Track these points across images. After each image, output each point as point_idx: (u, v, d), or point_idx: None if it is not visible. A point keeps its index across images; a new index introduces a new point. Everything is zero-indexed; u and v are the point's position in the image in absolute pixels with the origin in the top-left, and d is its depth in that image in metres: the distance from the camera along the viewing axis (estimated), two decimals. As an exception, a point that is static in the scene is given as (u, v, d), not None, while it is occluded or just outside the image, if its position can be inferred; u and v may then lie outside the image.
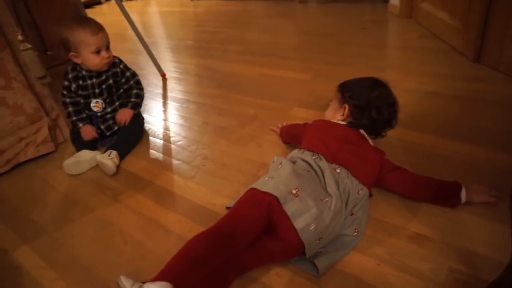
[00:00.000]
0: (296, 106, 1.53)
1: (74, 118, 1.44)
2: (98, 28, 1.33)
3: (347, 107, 1.02)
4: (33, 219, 1.15)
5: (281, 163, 0.92)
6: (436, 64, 1.67)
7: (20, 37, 1.31)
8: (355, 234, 0.86)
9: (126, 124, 1.43)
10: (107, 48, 1.36)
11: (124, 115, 1.44)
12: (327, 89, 1.62)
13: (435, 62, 1.70)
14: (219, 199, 1.09)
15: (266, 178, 0.86)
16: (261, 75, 1.93)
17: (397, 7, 2.40)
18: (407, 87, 1.51)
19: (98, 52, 1.33)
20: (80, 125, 1.43)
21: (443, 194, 0.91)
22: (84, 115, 1.45)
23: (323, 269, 0.80)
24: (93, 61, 1.34)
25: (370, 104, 0.98)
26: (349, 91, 1.03)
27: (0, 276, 0.97)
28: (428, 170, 1.04)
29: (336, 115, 1.05)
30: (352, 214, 0.88)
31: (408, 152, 1.14)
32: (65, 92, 1.43)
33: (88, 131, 1.41)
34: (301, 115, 1.46)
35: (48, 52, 2.27)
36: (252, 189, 0.84)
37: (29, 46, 1.33)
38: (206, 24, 3.31)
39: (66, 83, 1.42)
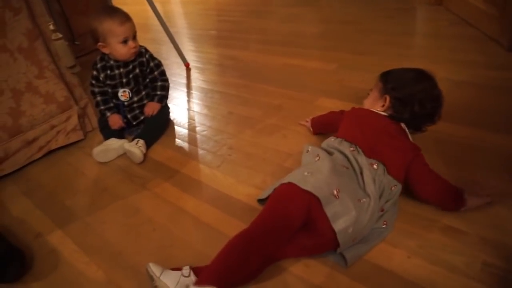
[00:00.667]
0: (322, 97, 1.51)
1: (102, 107, 1.47)
2: (126, 18, 1.35)
3: (388, 98, 0.97)
4: (66, 204, 1.19)
5: (318, 156, 0.91)
6: (469, 52, 1.61)
7: (51, 27, 1.35)
8: (383, 226, 0.85)
9: (154, 114, 1.45)
10: (134, 37, 1.38)
11: (152, 108, 1.46)
12: (353, 79, 1.60)
13: (468, 50, 1.63)
14: (246, 188, 1.10)
15: (305, 173, 0.84)
16: (285, 65, 1.91)
17: (426, -7, 2.32)
18: (439, 76, 1.43)
19: (125, 42, 1.35)
20: (108, 114, 1.46)
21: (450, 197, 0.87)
22: (111, 104, 1.48)
23: (351, 260, 0.79)
24: (120, 51, 1.36)
25: (413, 97, 0.93)
26: (392, 82, 0.99)
27: (38, 258, 1.01)
28: (461, 161, 1.02)
29: (376, 105, 1.01)
30: (382, 210, 0.86)
31: (440, 143, 1.11)
32: (93, 82, 1.46)
33: (115, 120, 1.44)
34: (328, 105, 1.44)
35: (76, 42, 2.32)
36: (290, 184, 0.82)
37: (60, 36, 1.36)
38: (228, 13, 3.29)
39: (94, 72, 1.45)
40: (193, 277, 0.76)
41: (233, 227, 0.96)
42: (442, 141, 1.12)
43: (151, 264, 0.80)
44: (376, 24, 2.23)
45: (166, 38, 2.08)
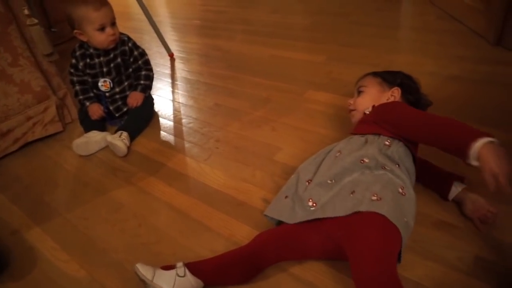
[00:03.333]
0: (311, 89, 1.48)
1: (81, 97, 1.40)
2: (102, 3, 1.27)
3: (399, 89, 0.98)
4: (44, 200, 1.13)
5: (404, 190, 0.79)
6: (456, 47, 1.62)
7: (26, 12, 1.26)
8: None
9: (138, 105, 1.39)
10: (113, 24, 1.31)
11: (135, 99, 1.40)
12: (342, 72, 1.58)
13: (455, 44, 1.64)
14: (235, 182, 1.07)
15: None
16: (272, 56, 1.88)
17: (412, -13, 2.32)
18: (427, 70, 1.46)
19: (102, 29, 1.28)
20: (87, 103, 1.40)
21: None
22: (91, 94, 1.41)
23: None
24: (98, 38, 1.29)
25: (410, 85, 1.01)
26: (395, 77, 1.02)
27: (16, 256, 0.95)
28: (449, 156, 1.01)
29: (381, 99, 0.99)
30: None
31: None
32: (72, 70, 1.39)
33: (94, 110, 1.38)
34: (317, 98, 1.42)
35: (53, 29, 2.21)
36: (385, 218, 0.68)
37: (35, 21, 1.28)
38: (212, 3, 3.22)
39: (73, 61, 1.38)
40: (189, 276, 0.72)
41: (222, 222, 0.94)
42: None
43: (139, 266, 0.74)
44: (364, 17, 2.22)
45: (148, 27, 2.01)
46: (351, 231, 0.69)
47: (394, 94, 0.98)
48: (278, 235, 0.78)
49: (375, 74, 1.05)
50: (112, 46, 1.34)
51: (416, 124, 0.82)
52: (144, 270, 0.73)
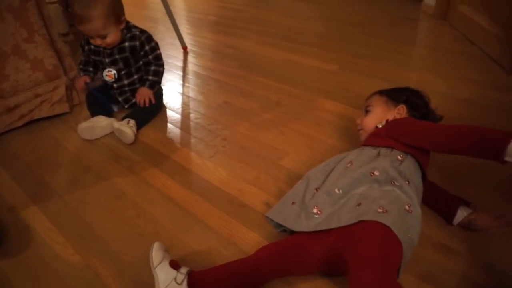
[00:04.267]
0: (322, 97, 1.48)
1: (80, 66, 1.41)
2: (85, 20, 1.19)
3: (404, 106, 0.99)
4: (45, 179, 1.12)
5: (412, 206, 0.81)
6: (469, 70, 1.61)
7: (46, -11, 1.26)
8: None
9: (147, 105, 1.37)
10: (102, 37, 1.25)
11: (143, 95, 1.37)
12: (354, 83, 1.57)
13: (468, 67, 1.64)
14: (238, 183, 1.06)
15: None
16: (286, 60, 1.87)
17: (431, 7, 2.31)
18: (438, 89, 1.46)
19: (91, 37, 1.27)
20: (80, 74, 1.40)
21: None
22: (90, 68, 1.41)
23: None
24: (90, 40, 1.29)
25: (417, 102, 1.01)
26: (400, 94, 1.03)
27: (10, 234, 0.95)
28: (458, 177, 1.01)
29: (386, 116, 0.99)
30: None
31: (438, 157, 1.09)
32: (81, 49, 1.40)
33: (80, 81, 1.38)
34: (328, 107, 1.41)
35: (69, 9, 2.20)
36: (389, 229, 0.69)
37: None
38: (229, 0, 3.21)
39: (82, 42, 1.38)
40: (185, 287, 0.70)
41: (222, 221, 0.94)
42: (439, 154, 1.11)
43: (156, 245, 0.77)
44: (379, 29, 2.21)
45: (163, 18, 2.00)
46: (354, 238, 0.69)
47: (400, 112, 0.98)
48: (282, 248, 0.77)
49: (381, 92, 1.06)
50: (109, 48, 1.32)
51: (439, 132, 0.84)
52: (155, 253, 0.75)
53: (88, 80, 1.38)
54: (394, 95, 1.03)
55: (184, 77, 1.75)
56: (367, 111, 1.05)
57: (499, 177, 1.00)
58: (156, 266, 0.73)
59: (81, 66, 1.41)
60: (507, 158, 0.73)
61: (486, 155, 0.77)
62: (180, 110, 1.46)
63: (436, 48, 1.90)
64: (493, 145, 0.74)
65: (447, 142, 0.82)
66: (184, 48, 2.05)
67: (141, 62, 1.40)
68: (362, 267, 0.63)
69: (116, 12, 1.25)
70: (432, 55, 1.83)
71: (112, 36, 1.26)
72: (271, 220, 0.86)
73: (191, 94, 1.59)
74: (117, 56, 1.34)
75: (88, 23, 1.19)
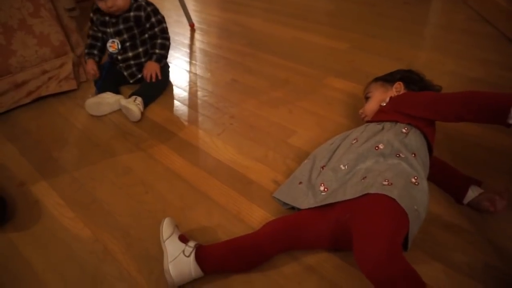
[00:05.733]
0: (331, 76, 1.45)
1: (86, 50, 1.39)
2: None
3: (401, 84, 0.99)
4: (53, 156, 1.12)
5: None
6: (484, 50, 1.57)
7: (52, -38, 1.23)
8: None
9: (154, 80, 1.35)
10: None
11: (150, 69, 1.36)
12: (365, 62, 1.54)
13: (483, 47, 1.59)
14: (246, 161, 1.05)
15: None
16: (294, 38, 1.83)
17: (446, -17, 2.23)
18: (450, 69, 1.42)
19: None
20: (86, 58, 1.38)
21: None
22: (95, 51, 1.39)
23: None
24: (99, 4, 1.27)
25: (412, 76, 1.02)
26: (394, 75, 1.04)
27: (20, 208, 0.96)
28: (467, 159, 0.99)
29: (388, 95, 0.99)
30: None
31: (449, 139, 1.08)
32: (90, 24, 1.38)
33: (88, 68, 1.36)
34: (336, 85, 1.38)
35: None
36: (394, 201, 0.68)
37: (60, -28, 1.24)
38: (237, -23, 3.14)
39: (91, 14, 1.36)
40: (192, 261, 0.71)
41: (230, 199, 0.94)
42: (451, 137, 1.09)
43: (167, 220, 0.78)
44: (391, 9, 2.15)
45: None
46: (359, 210, 0.70)
47: (397, 89, 0.99)
48: (287, 225, 0.77)
49: (376, 79, 1.08)
50: (116, 14, 1.30)
51: (443, 100, 0.83)
52: (165, 228, 0.76)
53: (95, 66, 1.36)
54: (388, 77, 1.04)
55: (191, 55, 1.73)
56: (367, 98, 1.05)
57: (511, 160, 0.99)
58: (166, 240, 0.74)
59: (86, 50, 1.39)
60: (511, 121, 0.73)
61: (492, 119, 0.76)
62: (187, 88, 1.45)
63: (449, 27, 1.85)
64: (498, 108, 0.74)
65: (452, 110, 0.81)
66: (191, 25, 2.01)
67: (146, 35, 1.38)
68: (367, 239, 0.63)
69: None
70: (445, 35, 1.78)
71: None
72: (279, 199, 0.86)
73: (198, 71, 1.57)
74: (121, 26, 1.32)
75: None
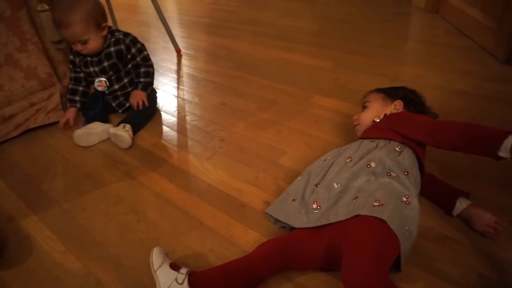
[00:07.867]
0: (317, 94, 1.48)
1: (68, 96, 1.40)
2: (64, 25, 1.19)
3: (401, 102, 1.00)
4: (43, 188, 1.11)
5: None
6: (464, 62, 1.62)
7: (37, -3, 1.25)
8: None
9: (140, 108, 1.36)
10: (82, 42, 1.24)
11: (137, 97, 1.37)
12: (349, 79, 1.58)
13: (463, 60, 1.64)
14: (237, 183, 1.06)
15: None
16: (280, 59, 1.87)
17: (422, 1, 2.32)
18: (434, 83, 1.46)
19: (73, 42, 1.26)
20: (68, 105, 1.40)
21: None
22: (77, 97, 1.39)
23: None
24: (73, 47, 1.29)
25: (413, 99, 1.02)
26: (398, 91, 1.04)
27: (10, 244, 0.94)
28: (454, 169, 1.01)
29: (385, 110, 1.00)
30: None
31: (436, 149, 1.09)
32: (71, 66, 1.39)
33: (65, 115, 1.37)
34: (323, 104, 1.41)
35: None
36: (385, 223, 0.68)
37: (46, 7, 1.26)
38: (223, 2, 3.21)
39: (71, 56, 1.37)
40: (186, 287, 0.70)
41: (223, 223, 0.93)
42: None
43: (156, 250, 0.77)
44: (372, 26, 2.22)
45: (156, 22, 2.00)
46: (350, 233, 0.70)
47: (396, 107, 0.99)
48: (281, 244, 0.77)
49: (378, 90, 1.08)
50: (94, 53, 1.31)
51: (437, 128, 0.85)
52: (155, 257, 0.75)
53: (73, 115, 1.38)
54: (391, 92, 1.04)
55: (179, 80, 1.75)
56: (364, 107, 1.06)
57: (498, 169, 1.00)
58: (157, 269, 0.73)
59: (68, 96, 1.40)
60: (501, 154, 0.74)
61: (483, 150, 0.77)
62: (176, 113, 1.46)
63: (429, 42, 1.91)
64: (491, 140, 0.75)
65: (446, 136, 0.83)
66: (178, 51, 2.04)
67: (130, 66, 1.40)
68: (354, 262, 0.63)
69: (97, 18, 1.24)
70: (426, 49, 1.83)
71: (93, 42, 1.26)
72: (271, 215, 0.86)
73: (186, 96, 1.59)
74: (105, 64, 1.33)
75: (68, 28, 1.20)
